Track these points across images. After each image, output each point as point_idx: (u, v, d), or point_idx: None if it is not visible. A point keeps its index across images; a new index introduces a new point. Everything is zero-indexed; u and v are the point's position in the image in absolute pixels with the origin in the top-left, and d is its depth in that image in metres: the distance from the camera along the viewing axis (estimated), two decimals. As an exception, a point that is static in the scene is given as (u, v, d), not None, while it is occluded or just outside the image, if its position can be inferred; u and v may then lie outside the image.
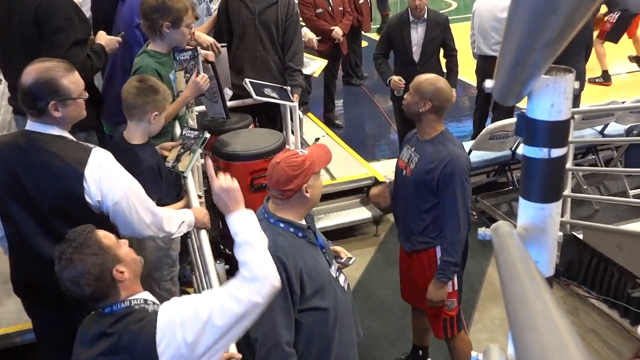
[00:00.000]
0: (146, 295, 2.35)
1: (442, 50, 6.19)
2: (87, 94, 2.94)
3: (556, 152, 1.18)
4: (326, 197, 6.20)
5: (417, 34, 5.69)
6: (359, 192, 6.39)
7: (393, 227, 6.26)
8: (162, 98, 3.32)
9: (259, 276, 2.16)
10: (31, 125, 2.82)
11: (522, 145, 4.95)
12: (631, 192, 5.79)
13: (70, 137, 2.88)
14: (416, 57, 5.73)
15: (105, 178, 2.77)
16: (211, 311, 2.11)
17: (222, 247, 4.30)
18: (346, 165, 6.59)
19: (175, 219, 3.04)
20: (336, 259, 3.09)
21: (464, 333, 3.83)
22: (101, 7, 4.24)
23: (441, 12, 7.93)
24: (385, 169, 6.70)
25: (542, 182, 1.21)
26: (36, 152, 2.79)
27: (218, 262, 3.44)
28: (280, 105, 5.33)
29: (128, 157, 3.05)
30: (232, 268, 4.13)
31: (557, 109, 1.16)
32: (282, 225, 2.77)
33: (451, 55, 5.98)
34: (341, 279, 3.02)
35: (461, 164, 3.34)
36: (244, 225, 2.31)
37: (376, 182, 6.31)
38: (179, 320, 2.12)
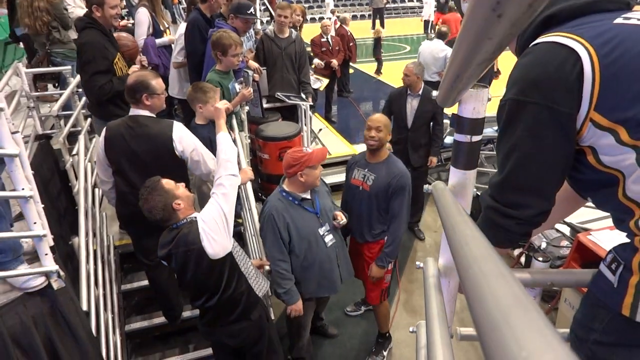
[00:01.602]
0: (196, 214, 2.38)
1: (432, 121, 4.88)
2: (166, 93, 3.00)
3: (475, 138, 1.17)
4: (325, 166, 6.19)
5: (412, 106, 4.62)
6: (345, 163, 6.32)
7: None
8: (203, 97, 3.27)
9: (235, 174, 2.45)
10: (133, 111, 2.85)
11: (449, 136, 4.84)
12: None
13: (154, 117, 2.91)
14: (409, 124, 4.64)
15: (184, 137, 2.83)
16: (220, 207, 2.31)
17: (259, 194, 4.27)
18: (337, 146, 6.55)
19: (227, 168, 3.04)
20: (334, 220, 2.90)
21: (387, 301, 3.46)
22: (196, 46, 4.14)
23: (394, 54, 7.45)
24: (361, 149, 6.65)
25: (465, 157, 1.18)
26: (140, 127, 2.79)
27: (257, 203, 3.41)
28: (298, 107, 5.31)
29: (192, 130, 3.04)
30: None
31: (477, 111, 1.14)
32: (284, 194, 2.77)
33: (439, 126, 4.70)
34: (327, 238, 2.86)
35: (407, 178, 2.99)
36: (225, 144, 2.55)
37: (356, 157, 6.29)
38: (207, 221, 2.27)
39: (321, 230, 2.84)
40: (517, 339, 0.25)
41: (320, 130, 6.81)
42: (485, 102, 1.15)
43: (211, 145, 3.39)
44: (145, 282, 3.45)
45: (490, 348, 0.28)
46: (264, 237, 2.82)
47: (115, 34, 3.78)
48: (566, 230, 3.96)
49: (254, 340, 2.61)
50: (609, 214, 1.13)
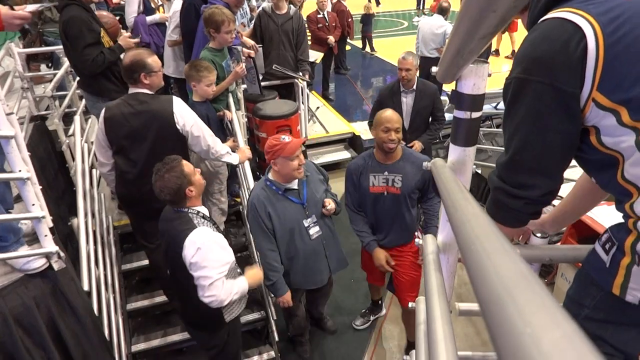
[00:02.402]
0: (201, 208, 2.37)
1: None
2: (164, 69, 3.01)
3: (475, 114, 1.16)
4: (323, 144, 6.19)
5: (407, 104, 4.04)
6: (343, 141, 6.34)
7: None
8: (196, 75, 3.26)
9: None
10: (132, 89, 2.81)
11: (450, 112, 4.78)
12: (512, 145, 5.74)
13: (153, 94, 2.87)
14: (407, 124, 4.00)
15: (184, 112, 2.81)
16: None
17: (257, 173, 4.26)
18: (335, 124, 6.51)
19: (223, 147, 3.04)
20: (323, 207, 2.77)
21: None
22: (189, 23, 4.06)
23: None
24: (358, 127, 6.65)
25: (465, 134, 1.17)
26: (140, 104, 2.77)
27: (256, 182, 3.40)
28: (295, 85, 5.26)
29: (191, 108, 3.01)
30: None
31: (477, 87, 1.12)
32: (268, 183, 2.67)
33: (438, 123, 4.13)
34: (312, 230, 2.76)
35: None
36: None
37: (354, 135, 6.26)
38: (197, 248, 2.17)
39: (306, 222, 2.73)
40: (522, 315, 0.25)
41: (318, 108, 6.76)
42: (486, 78, 1.13)
43: (209, 122, 3.39)
44: (146, 262, 3.47)
45: (494, 324, 0.28)
46: (250, 227, 2.76)
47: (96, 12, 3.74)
48: (548, 208, 3.98)
49: (207, 348, 2.63)
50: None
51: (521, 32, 8.82)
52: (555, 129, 1.02)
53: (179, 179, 2.23)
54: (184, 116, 2.80)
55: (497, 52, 9.84)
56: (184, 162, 2.31)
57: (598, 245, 1.09)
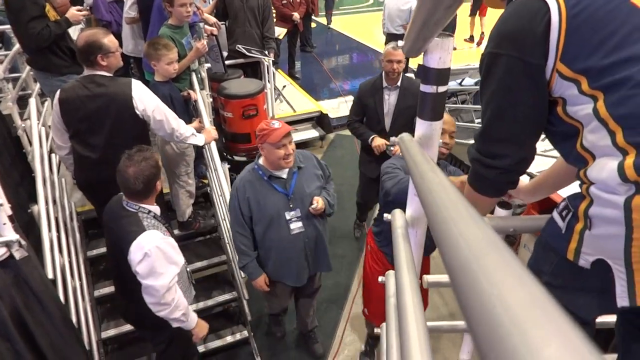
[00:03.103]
0: (153, 208, 2.24)
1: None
2: (121, 49, 2.85)
3: (441, 89, 1.17)
4: (291, 123, 6.12)
5: (390, 102, 3.56)
6: (311, 120, 6.32)
7: (333, 141, 6.29)
8: (154, 53, 3.16)
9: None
10: (88, 71, 2.68)
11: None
12: (476, 121, 5.85)
13: (112, 76, 2.75)
14: (387, 125, 3.58)
15: (144, 96, 2.71)
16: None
17: (224, 153, 4.20)
18: (302, 103, 6.47)
19: (188, 129, 2.95)
20: (311, 206, 2.58)
21: None
22: (149, 1, 3.90)
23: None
24: (326, 106, 6.63)
25: (431, 108, 1.19)
26: (98, 86, 2.65)
27: (223, 163, 3.36)
28: (260, 63, 5.17)
29: (151, 88, 2.93)
30: (232, 168, 4.08)
31: (443, 60, 1.14)
32: (255, 167, 2.57)
33: None
34: (295, 225, 2.60)
35: None
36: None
37: (321, 114, 6.24)
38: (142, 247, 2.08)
39: (288, 214, 2.58)
40: (489, 277, 0.26)
41: (285, 87, 6.69)
42: (451, 52, 1.14)
43: (172, 103, 3.29)
44: (112, 248, 3.39)
45: (462, 289, 0.28)
46: (228, 205, 2.71)
47: None
48: (526, 179, 4.10)
49: (153, 344, 2.62)
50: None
51: (490, 17, 8.92)
52: (524, 100, 1.08)
53: (154, 168, 2.16)
54: (144, 100, 2.69)
55: (471, 39, 9.81)
56: (157, 155, 2.24)
57: (556, 212, 1.13)
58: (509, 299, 0.22)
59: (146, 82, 3.18)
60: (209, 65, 4.68)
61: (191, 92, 3.71)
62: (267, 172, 2.53)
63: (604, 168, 0.94)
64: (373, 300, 2.87)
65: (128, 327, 3.25)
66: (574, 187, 1.13)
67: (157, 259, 2.09)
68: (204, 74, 4.40)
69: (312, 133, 6.17)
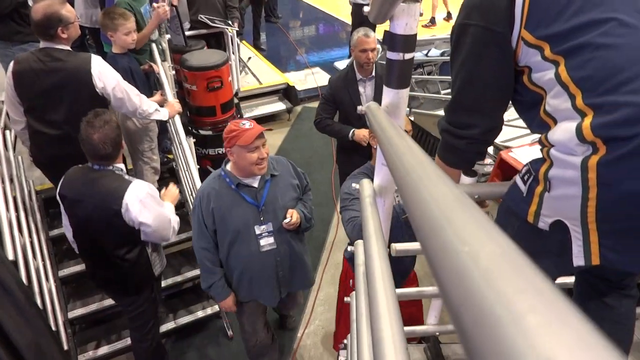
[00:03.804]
0: (122, 166, 2.29)
1: None
2: (79, 18, 2.74)
3: (408, 56, 1.15)
4: (256, 96, 6.05)
5: (366, 95, 3.21)
6: (278, 92, 6.23)
7: (301, 114, 6.24)
8: (111, 24, 3.04)
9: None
10: (45, 44, 2.55)
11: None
12: (442, 92, 5.91)
13: (70, 49, 2.62)
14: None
15: (104, 72, 2.61)
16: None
17: (190, 128, 4.11)
18: (268, 75, 6.36)
19: (151, 104, 2.87)
20: (284, 220, 2.28)
21: None
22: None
23: None
24: (292, 78, 6.54)
25: (398, 75, 1.17)
26: (54, 61, 2.52)
27: (188, 137, 3.28)
28: (224, 34, 5.03)
29: (109, 60, 2.82)
30: (197, 142, 4.00)
31: (410, 27, 1.11)
32: (222, 173, 2.25)
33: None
34: (265, 240, 2.29)
35: None
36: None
37: (288, 86, 6.16)
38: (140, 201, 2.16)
39: (258, 229, 2.27)
40: (459, 235, 0.25)
41: (250, 58, 6.55)
42: (418, 18, 1.12)
43: (132, 76, 3.18)
44: (75, 226, 3.30)
45: (432, 249, 0.27)
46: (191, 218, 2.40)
47: None
48: (490, 148, 4.19)
49: (134, 310, 2.61)
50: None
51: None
52: (492, 69, 1.12)
53: (117, 129, 2.15)
54: (104, 77, 2.58)
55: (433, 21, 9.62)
56: (114, 116, 2.21)
57: (518, 177, 1.17)
58: (481, 255, 0.22)
59: (104, 55, 3.05)
60: (169, 36, 4.52)
61: (152, 64, 3.58)
62: (235, 179, 2.21)
63: (564, 130, 0.97)
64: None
65: (96, 306, 3.21)
66: (537, 153, 1.15)
67: (155, 203, 2.22)
68: (165, 45, 4.25)
69: (279, 106, 6.10)
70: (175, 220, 2.39)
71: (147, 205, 2.17)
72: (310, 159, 5.18)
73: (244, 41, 7.25)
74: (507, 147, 3.72)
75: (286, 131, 5.88)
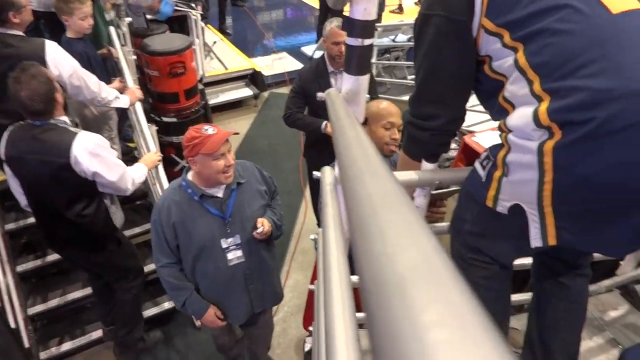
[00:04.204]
0: (66, 118, 2.23)
1: None
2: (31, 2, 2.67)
3: (367, 42, 1.15)
4: (222, 81, 5.93)
5: (338, 86, 2.77)
6: (244, 78, 6.12)
7: (268, 100, 6.16)
8: (65, 7, 2.91)
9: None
10: None
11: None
12: (409, 77, 5.93)
13: (23, 35, 2.52)
14: None
15: (59, 59, 2.52)
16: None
17: (152, 115, 3.99)
18: (235, 60, 6.22)
19: (111, 91, 2.79)
20: (254, 230, 2.10)
21: None
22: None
23: None
24: (259, 63, 6.44)
25: (358, 61, 1.17)
26: (6, 47, 2.43)
27: (150, 124, 3.19)
28: (187, 17, 4.90)
29: (64, 47, 2.70)
30: (160, 129, 3.89)
31: (368, 12, 1.11)
32: (183, 184, 2.04)
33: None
34: (232, 254, 2.11)
35: None
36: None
37: (255, 71, 6.06)
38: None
39: (225, 242, 2.09)
40: (383, 235, 0.24)
41: (215, 43, 6.39)
42: (377, 3, 1.11)
43: (89, 63, 3.06)
44: (32, 220, 3.18)
45: (358, 246, 0.26)
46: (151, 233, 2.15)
47: None
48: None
49: (100, 264, 2.64)
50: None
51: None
52: (453, 58, 1.13)
53: (46, 84, 2.06)
54: (59, 64, 2.49)
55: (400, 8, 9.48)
56: (42, 67, 2.14)
57: (477, 162, 1.18)
58: (399, 259, 0.20)
59: (59, 41, 2.93)
60: (130, 19, 4.37)
61: (112, 48, 3.45)
62: (198, 190, 2.02)
63: (521, 116, 0.99)
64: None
65: (57, 301, 3.13)
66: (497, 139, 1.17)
67: (106, 152, 2.19)
68: (125, 29, 4.10)
69: (245, 92, 6.00)
70: (138, 176, 2.42)
71: (97, 156, 2.14)
72: (277, 146, 5.14)
73: (209, 25, 7.06)
74: (470, 132, 3.77)
75: (253, 117, 5.79)
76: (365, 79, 1.21)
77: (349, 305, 0.63)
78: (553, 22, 0.94)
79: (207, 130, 1.90)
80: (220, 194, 2.05)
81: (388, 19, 7.25)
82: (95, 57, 3.19)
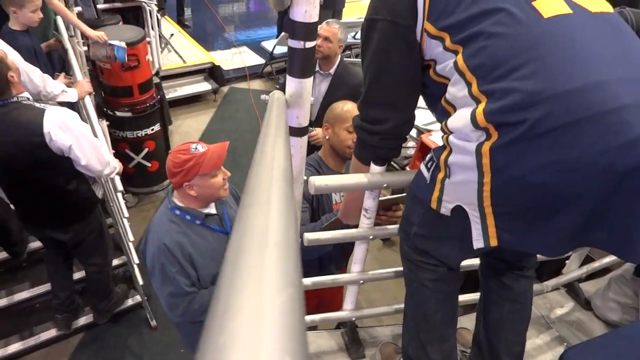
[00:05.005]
0: (27, 94, 2.20)
1: None
2: None
3: (309, 44, 1.14)
4: (180, 75, 5.80)
5: (319, 90, 2.94)
6: (203, 72, 6.00)
7: (227, 95, 6.06)
8: None
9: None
10: None
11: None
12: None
13: None
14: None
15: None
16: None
17: (104, 109, 3.85)
18: (193, 53, 6.10)
19: (57, 85, 2.70)
20: None
21: None
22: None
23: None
24: (219, 57, 6.32)
25: (300, 64, 1.15)
26: None
27: (100, 119, 3.08)
28: (142, 8, 4.74)
29: (7, 38, 2.61)
30: (112, 124, 3.77)
31: (309, 14, 1.10)
32: (177, 212, 1.85)
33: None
34: None
35: None
36: None
37: (214, 65, 5.95)
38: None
39: None
40: (239, 241, 0.22)
41: (172, 35, 6.24)
42: (317, 5, 1.10)
43: (35, 56, 2.93)
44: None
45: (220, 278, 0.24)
46: (158, 277, 1.83)
47: None
48: (413, 132, 4.30)
49: (83, 237, 2.64)
50: None
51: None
52: (399, 62, 1.14)
53: None
54: None
55: None
56: None
57: (422, 164, 1.19)
58: (234, 318, 0.19)
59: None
60: (79, 8, 4.19)
61: (62, 38, 3.30)
62: (198, 213, 1.87)
63: (460, 117, 1.01)
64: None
65: (5, 302, 3.04)
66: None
67: (77, 124, 2.17)
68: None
69: (204, 86, 5.89)
70: (111, 159, 2.43)
71: (68, 130, 2.12)
72: (236, 142, 5.04)
73: (166, 16, 6.88)
74: (428, 131, 3.83)
75: (212, 112, 5.70)
76: (309, 82, 1.19)
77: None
78: (489, 25, 0.96)
79: (196, 148, 1.75)
80: (214, 210, 1.94)
81: (349, 15, 7.26)
82: (40, 50, 3.06)
